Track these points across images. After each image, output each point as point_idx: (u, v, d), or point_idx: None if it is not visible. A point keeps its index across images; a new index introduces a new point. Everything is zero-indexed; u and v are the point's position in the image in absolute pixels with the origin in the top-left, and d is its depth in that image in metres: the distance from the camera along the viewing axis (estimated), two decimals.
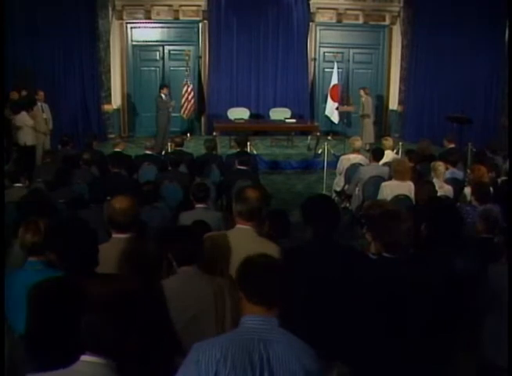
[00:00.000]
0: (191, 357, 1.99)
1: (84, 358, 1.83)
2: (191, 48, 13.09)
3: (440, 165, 6.20)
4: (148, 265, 3.05)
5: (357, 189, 6.92)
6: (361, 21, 13.40)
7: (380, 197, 5.88)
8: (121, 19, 12.82)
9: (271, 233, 3.93)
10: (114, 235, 3.12)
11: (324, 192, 9.11)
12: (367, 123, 11.71)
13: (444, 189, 5.90)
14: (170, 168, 7.00)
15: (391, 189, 5.90)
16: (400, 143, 10.51)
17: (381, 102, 13.86)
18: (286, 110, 12.72)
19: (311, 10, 13.15)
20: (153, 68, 13.44)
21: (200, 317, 2.77)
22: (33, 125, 9.50)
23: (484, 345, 3.29)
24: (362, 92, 11.82)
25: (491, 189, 5.54)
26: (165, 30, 13.13)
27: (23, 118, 9.37)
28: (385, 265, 2.74)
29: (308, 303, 3.06)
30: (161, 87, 11.56)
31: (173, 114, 11.87)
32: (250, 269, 2.13)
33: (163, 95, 11.33)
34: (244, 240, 3.07)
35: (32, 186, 5.77)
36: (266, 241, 3.24)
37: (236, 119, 12.15)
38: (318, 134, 11.45)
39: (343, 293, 2.88)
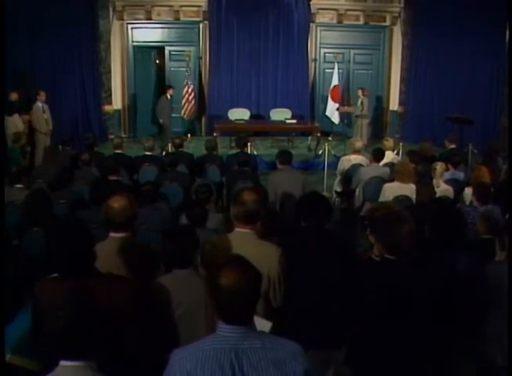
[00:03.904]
0: (170, 363, 1.98)
1: (63, 363, 1.83)
2: (191, 48, 13.11)
3: (438, 165, 6.20)
4: (144, 264, 3.05)
5: (357, 189, 6.91)
6: (361, 22, 13.40)
7: (381, 198, 5.87)
8: (122, 19, 12.83)
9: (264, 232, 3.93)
10: (111, 234, 3.12)
11: (325, 193, 9.11)
12: (365, 124, 11.70)
13: (441, 189, 5.90)
14: (170, 169, 7.00)
15: (393, 190, 5.88)
16: (400, 144, 10.50)
17: (382, 102, 13.86)
18: (287, 110, 12.72)
19: (312, 11, 13.16)
20: (153, 69, 13.44)
21: (191, 315, 2.78)
22: (23, 130, 9.46)
23: (484, 345, 3.29)
24: (360, 93, 11.81)
25: (491, 189, 5.53)
26: (166, 30, 13.14)
27: (15, 121, 9.34)
28: (388, 267, 2.74)
29: (304, 296, 3.13)
30: (166, 88, 11.65)
31: (173, 115, 11.89)
32: (221, 292, 1.93)
33: (168, 96, 11.44)
34: (245, 244, 3.05)
35: (33, 187, 5.76)
36: (267, 244, 3.22)
37: (236, 120, 12.16)
38: (318, 135, 11.44)
39: (342, 288, 2.91)
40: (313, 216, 3.41)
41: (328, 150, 9.64)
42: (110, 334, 2.29)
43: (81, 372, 1.83)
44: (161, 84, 13.77)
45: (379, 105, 13.78)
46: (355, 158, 7.71)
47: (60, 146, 8.54)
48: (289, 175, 6.18)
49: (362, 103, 11.66)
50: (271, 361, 1.91)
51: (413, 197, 5.60)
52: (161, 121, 11.38)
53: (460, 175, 6.76)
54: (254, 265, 2.02)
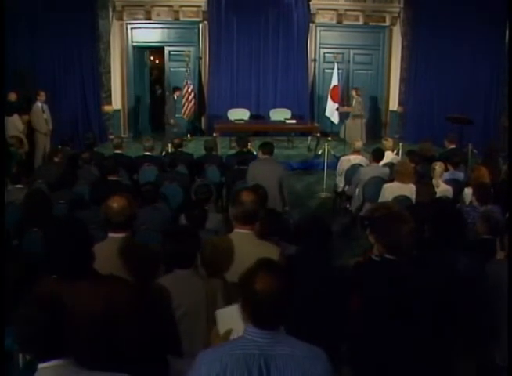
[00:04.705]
0: (195, 366, 1.97)
1: (42, 365, 1.81)
2: (191, 48, 13.10)
3: (437, 165, 6.20)
4: (144, 264, 3.05)
5: (357, 190, 6.91)
6: (361, 22, 13.40)
7: (381, 198, 5.87)
8: (121, 19, 12.83)
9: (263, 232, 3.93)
10: (110, 234, 3.11)
11: (324, 193, 9.13)
12: (362, 124, 11.68)
13: (441, 189, 5.90)
14: (170, 169, 7.00)
15: (393, 190, 5.88)
16: (400, 144, 10.49)
17: (381, 103, 13.86)
18: (287, 110, 12.72)
19: (312, 11, 13.16)
20: (146, 68, 13.44)
21: (190, 315, 2.77)
22: (23, 131, 9.45)
23: (484, 345, 3.29)
24: (353, 93, 11.81)
25: (491, 189, 5.53)
26: (165, 30, 13.15)
27: (14, 121, 9.33)
28: (387, 267, 2.74)
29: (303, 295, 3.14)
30: (174, 89, 11.70)
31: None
32: (255, 295, 1.92)
33: (175, 97, 11.50)
34: (245, 244, 3.06)
35: (33, 187, 5.76)
36: (267, 244, 3.23)
37: (236, 120, 12.16)
38: (318, 135, 11.44)
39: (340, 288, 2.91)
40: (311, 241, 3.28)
41: (328, 150, 9.64)
42: (110, 335, 2.29)
43: (61, 370, 1.80)
44: (159, 85, 13.82)
45: (378, 105, 13.78)
46: (354, 158, 7.72)
47: (60, 146, 8.54)
48: (269, 164, 6.20)
49: (359, 102, 11.66)
50: (296, 366, 1.93)
51: (413, 197, 5.60)
52: (172, 121, 11.37)
53: (460, 175, 6.76)
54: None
